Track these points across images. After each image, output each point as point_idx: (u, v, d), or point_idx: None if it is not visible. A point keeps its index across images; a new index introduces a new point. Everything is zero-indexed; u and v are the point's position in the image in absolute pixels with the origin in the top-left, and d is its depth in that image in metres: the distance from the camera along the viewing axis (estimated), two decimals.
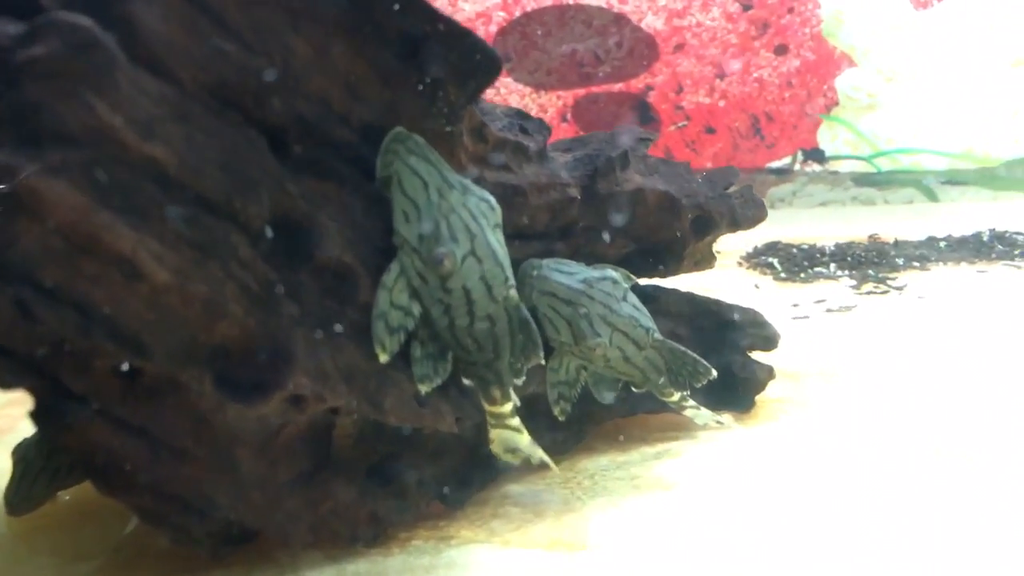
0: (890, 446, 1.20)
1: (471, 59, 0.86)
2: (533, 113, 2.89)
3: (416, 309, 0.90)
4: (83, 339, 0.69)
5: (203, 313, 0.73)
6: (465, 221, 0.87)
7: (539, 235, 1.09)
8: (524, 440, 1.00)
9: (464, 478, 1.06)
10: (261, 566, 0.93)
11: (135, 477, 0.77)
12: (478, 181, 0.94)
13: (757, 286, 2.23)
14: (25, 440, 1.07)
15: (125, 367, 0.72)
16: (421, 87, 0.86)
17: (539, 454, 1.02)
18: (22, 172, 0.62)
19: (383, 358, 0.88)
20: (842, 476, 1.11)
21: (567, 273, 1.05)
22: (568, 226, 1.12)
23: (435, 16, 0.82)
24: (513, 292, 0.91)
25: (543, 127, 1.09)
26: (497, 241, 0.90)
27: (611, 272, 1.09)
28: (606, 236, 1.17)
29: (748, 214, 1.38)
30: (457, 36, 0.84)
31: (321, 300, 0.84)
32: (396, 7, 0.80)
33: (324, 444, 0.91)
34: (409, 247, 0.88)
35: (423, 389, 0.91)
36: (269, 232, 0.80)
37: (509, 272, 0.91)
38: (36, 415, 0.73)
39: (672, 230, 1.25)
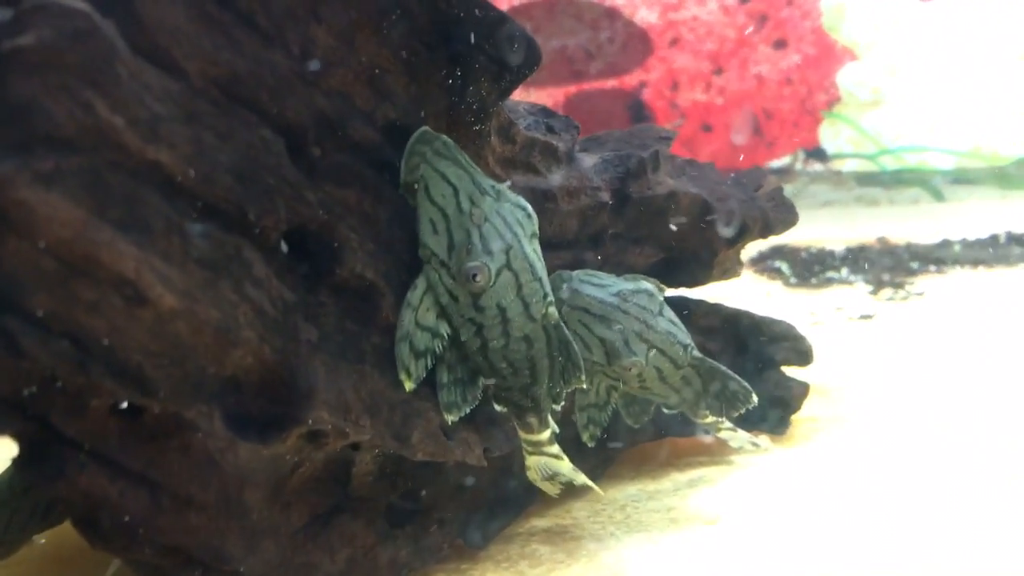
0: (941, 466, 1.14)
1: (508, 49, 0.79)
2: None
3: (444, 330, 0.84)
4: (78, 375, 0.61)
5: (214, 341, 0.66)
6: (499, 231, 0.81)
7: (568, 244, 1.03)
8: (565, 466, 0.94)
9: (488, 514, 1.00)
10: None
11: (134, 529, 0.69)
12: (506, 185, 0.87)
13: (769, 294, 2.18)
14: None
15: (125, 405, 0.65)
16: (451, 81, 0.78)
17: (581, 478, 0.96)
18: (9, 182, 0.54)
19: (409, 386, 0.81)
20: (898, 501, 1.05)
21: (599, 286, 0.99)
22: (598, 234, 1.06)
23: (472, 1, 0.75)
24: (552, 310, 0.85)
25: (571, 125, 1.03)
26: (535, 253, 0.83)
27: (645, 284, 1.03)
28: (634, 243, 1.10)
29: (780, 218, 1.32)
30: (493, 23, 0.78)
31: (342, 322, 0.78)
32: None
33: (342, 483, 0.84)
34: (437, 261, 0.81)
35: (451, 419, 0.85)
36: (285, 247, 0.72)
37: (548, 287, 0.84)
38: (21, 462, 0.64)
39: (704, 237, 1.19)
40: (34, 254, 0.57)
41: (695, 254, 1.21)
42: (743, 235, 1.25)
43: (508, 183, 0.85)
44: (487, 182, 0.82)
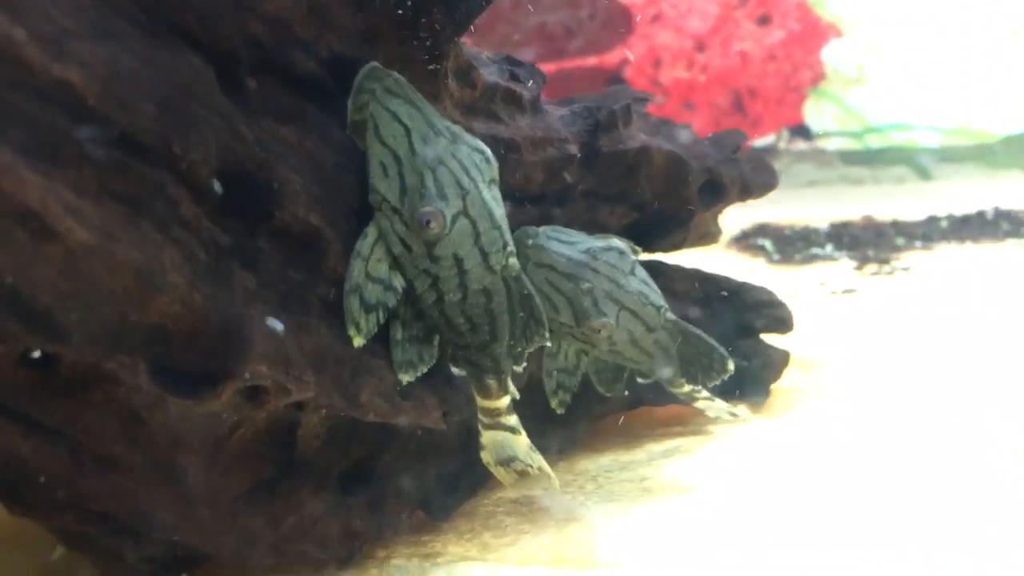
0: (918, 438, 1.11)
1: None
2: None
3: (398, 282, 0.79)
4: None
5: (135, 285, 0.60)
6: (456, 175, 0.76)
7: (534, 198, 0.98)
8: (521, 445, 0.90)
9: (451, 483, 0.95)
10: None
11: (53, 492, 0.65)
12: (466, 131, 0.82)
13: (752, 270, 2.16)
14: None
15: (36, 354, 0.59)
16: (401, 11, 0.73)
17: (539, 461, 0.92)
18: None
19: (358, 341, 0.77)
20: (877, 473, 1.02)
21: (567, 243, 0.95)
22: (566, 189, 1.01)
23: None
24: (513, 260, 0.80)
25: (537, 73, 0.98)
26: (494, 199, 0.79)
27: (616, 242, 0.98)
28: (606, 201, 1.05)
29: (759, 180, 1.28)
30: None
31: (283, 270, 0.73)
32: None
33: (288, 447, 0.79)
34: (389, 207, 0.76)
35: (405, 378, 0.81)
36: (218, 186, 0.67)
37: (508, 236, 0.80)
38: None
39: (679, 197, 1.14)
40: None
41: (671, 215, 1.16)
42: (721, 196, 1.21)
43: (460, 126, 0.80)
44: (442, 122, 0.77)
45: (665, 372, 1.04)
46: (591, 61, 3.08)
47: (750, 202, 1.39)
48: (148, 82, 0.61)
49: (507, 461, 0.91)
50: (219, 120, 0.66)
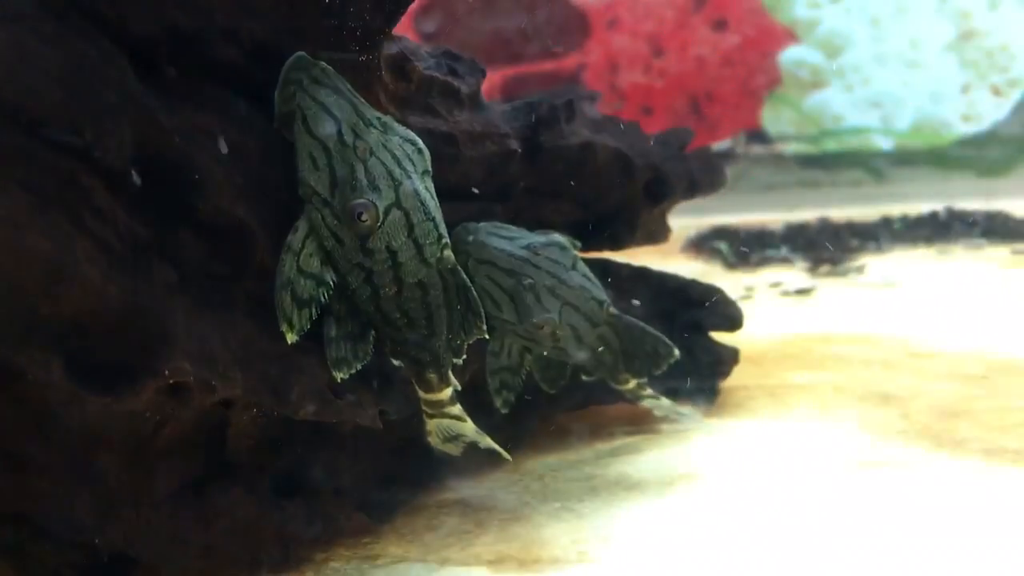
0: (881, 434, 1.11)
1: None
2: None
3: (330, 277, 0.77)
4: None
5: (45, 276, 0.59)
6: (387, 166, 0.74)
7: (473, 194, 0.97)
8: (468, 428, 0.89)
9: (391, 484, 0.93)
10: None
11: None
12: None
13: (708, 273, 2.17)
14: None
15: None
16: (328, 1, 0.71)
17: (487, 440, 0.91)
18: None
19: (290, 338, 0.75)
20: (822, 470, 1.02)
21: (507, 238, 0.94)
22: (507, 185, 1.01)
23: None
24: (448, 252, 0.78)
25: (476, 68, 0.97)
26: (427, 191, 0.77)
27: (557, 237, 0.98)
28: (549, 198, 1.04)
29: (707, 178, 1.27)
30: None
31: (207, 264, 0.72)
32: None
33: (217, 447, 0.77)
34: (319, 199, 0.75)
35: (340, 376, 0.79)
36: (136, 176, 0.65)
37: (443, 228, 0.78)
38: None
39: (624, 194, 1.13)
40: None
41: (617, 213, 1.16)
42: (667, 194, 1.20)
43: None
44: (372, 113, 0.75)
45: (609, 368, 1.03)
46: (548, 66, 3.09)
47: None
48: (56, 67, 0.59)
49: (453, 439, 0.90)
50: (134, 108, 0.64)
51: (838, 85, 3.13)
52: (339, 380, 0.79)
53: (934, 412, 1.17)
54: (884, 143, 3.15)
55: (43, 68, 0.58)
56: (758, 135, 3.24)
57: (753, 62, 3.15)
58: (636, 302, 1.16)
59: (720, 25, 3.13)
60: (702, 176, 1.26)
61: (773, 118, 3.19)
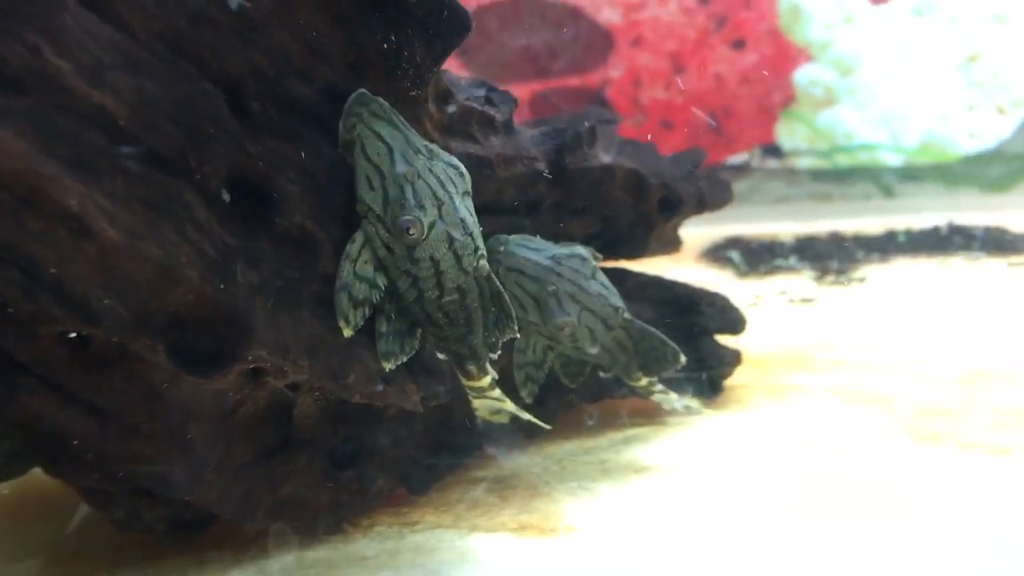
0: (867, 430, 1.20)
1: (439, 16, 0.83)
2: None
3: (382, 281, 0.87)
4: (28, 302, 0.64)
5: (156, 277, 0.70)
6: (432, 187, 0.84)
7: (505, 210, 1.07)
8: (508, 406, 0.99)
9: (428, 462, 1.04)
10: (215, 554, 0.91)
11: (82, 455, 0.74)
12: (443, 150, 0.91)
13: (720, 281, 2.24)
14: None
15: (72, 334, 0.68)
16: (386, 45, 0.82)
17: (526, 415, 1.01)
18: None
19: (347, 332, 0.84)
20: (819, 460, 1.11)
21: (534, 249, 1.04)
22: (535, 202, 1.10)
23: None
24: (484, 263, 0.88)
25: (509, 99, 1.07)
26: (466, 209, 0.87)
27: (579, 249, 1.07)
28: (573, 213, 1.15)
29: (715, 196, 1.37)
30: None
31: (282, 269, 0.81)
32: None
33: (284, 423, 0.88)
34: (374, 215, 0.84)
35: (387, 366, 0.88)
36: (226, 194, 0.76)
37: (480, 242, 0.88)
38: None
39: (640, 210, 1.23)
40: None
41: (632, 226, 1.25)
42: (679, 209, 1.29)
43: (439, 146, 0.89)
44: (420, 142, 0.85)
45: (623, 366, 1.12)
46: (574, 81, 3.15)
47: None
48: (167, 105, 0.70)
49: (497, 412, 1.00)
50: (228, 138, 0.74)
51: (850, 103, 3.15)
52: (387, 370, 0.88)
53: (916, 411, 1.26)
54: (893, 159, 3.16)
55: (159, 107, 0.69)
56: (773, 149, 3.28)
57: (769, 80, 3.19)
58: (653, 312, 1.25)
59: (738, 45, 3.16)
60: (711, 194, 1.36)
61: (787, 133, 3.23)
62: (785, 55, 3.20)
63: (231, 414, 0.81)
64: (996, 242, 2.45)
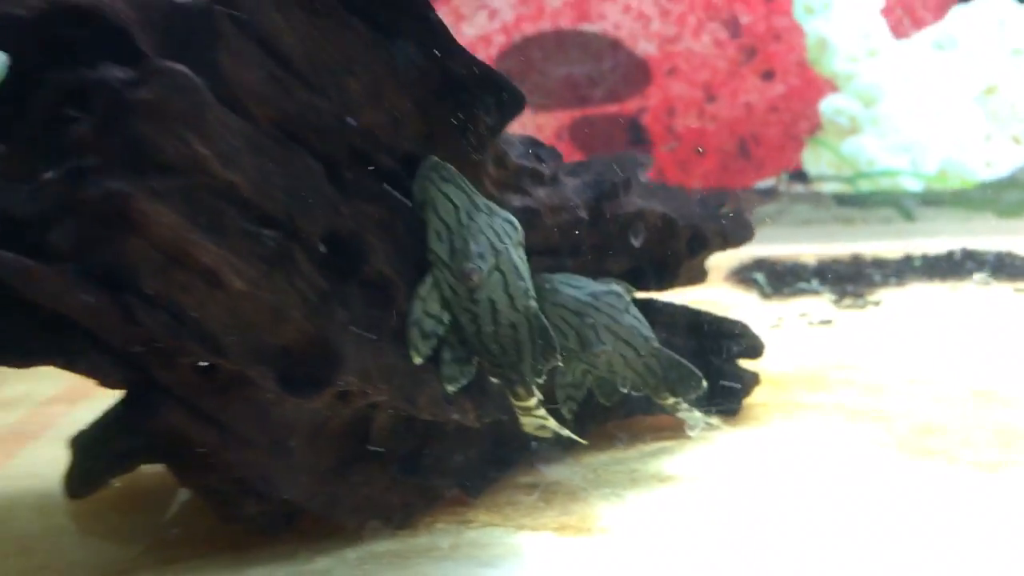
0: (867, 445, 1.30)
1: (499, 97, 0.96)
2: (530, 132, 2.99)
3: (446, 318, 0.98)
4: (172, 339, 0.78)
5: (270, 318, 0.83)
6: (491, 240, 0.96)
7: (551, 251, 1.18)
8: (551, 423, 1.08)
9: (482, 470, 1.15)
10: (301, 544, 1.02)
11: (206, 460, 0.87)
12: (500, 203, 1.04)
13: (746, 302, 2.33)
14: (82, 432, 1.16)
15: (204, 364, 0.82)
16: (455, 122, 0.96)
17: (565, 432, 1.10)
18: (132, 196, 0.72)
19: (417, 360, 0.95)
20: (822, 472, 1.21)
21: (576, 287, 1.14)
22: (576, 244, 1.21)
23: (471, 60, 0.92)
24: (533, 303, 0.99)
25: (555, 154, 1.19)
26: (520, 258, 0.99)
27: (615, 286, 1.18)
28: (610, 253, 1.27)
29: (737, 234, 1.48)
30: (488, 76, 0.94)
31: (366, 308, 0.92)
32: (439, 54, 0.91)
33: (363, 436, 1.00)
34: (441, 263, 0.97)
35: (450, 389, 0.99)
36: (323, 248, 0.89)
37: (530, 285, 0.99)
38: (128, 403, 0.83)
39: (669, 248, 1.35)
40: (146, 248, 0.75)
41: (662, 262, 1.36)
42: (704, 247, 1.41)
43: (497, 200, 1.02)
44: (482, 201, 0.98)
45: (653, 388, 1.24)
46: (613, 108, 3.25)
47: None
48: (281, 179, 0.84)
49: (541, 428, 1.09)
50: (325, 203, 0.88)
51: (872, 132, 3.21)
52: (450, 392, 0.98)
53: (914, 429, 1.35)
54: (913, 185, 3.23)
55: (274, 181, 0.82)
56: (799, 175, 3.36)
57: (796, 109, 3.27)
58: (681, 338, 1.37)
59: (768, 75, 3.25)
60: (733, 232, 1.46)
61: (813, 160, 3.30)
62: (812, 86, 3.28)
63: (322, 428, 0.94)
64: (1006, 267, 2.51)
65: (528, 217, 1.11)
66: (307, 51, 0.86)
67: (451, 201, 0.96)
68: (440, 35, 0.90)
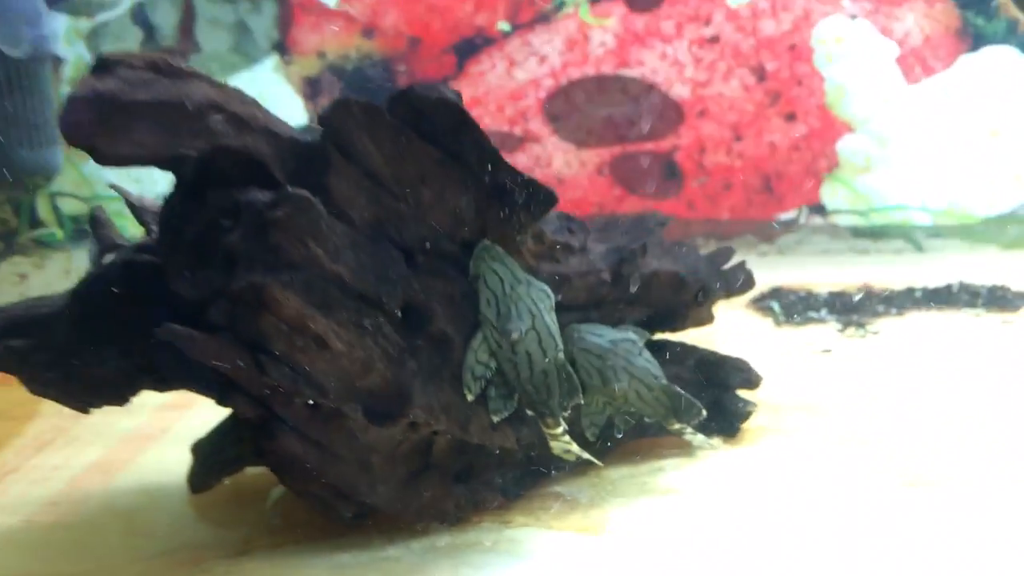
0: (858, 468, 1.40)
1: (537, 197, 1.18)
2: (574, 167, 3.19)
3: (493, 364, 1.13)
4: (291, 385, 1.02)
5: (361, 369, 1.04)
6: (529, 306, 1.16)
7: (579, 307, 1.35)
8: (575, 448, 1.26)
9: (519, 481, 1.33)
10: (377, 536, 1.21)
11: (309, 472, 1.08)
12: (536, 273, 1.24)
13: (760, 328, 2.43)
14: (201, 440, 1.39)
15: (311, 402, 1.05)
16: (502, 215, 1.18)
17: (587, 456, 1.28)
18: (269, 287, 0.97)
19: (470, 397, 1.10)
20: (801, 485, 1.33)
21: (598, 335, 1.33)
22: (600, 300, 1.38)
23: (515, 172, 1.14)
24: (561, 354, 1.18)
25: (583, 227, 1.40)
26: (551, 320, 1.18)
27: (631, 334, 1.36)
28: (628, 305, 1.50)
29: (740, 286, 1.68)
30: (528, 183, 1.16)
31: (431, 358, 1.08)
32: (491, 167, 1.14)
33: (427, 454, 1.12)
34: (489, 323, 1.12)
35: (495, 419, 1.14)
36: (399, 314, 1.11)
37: (559, 341, 1.19)
38: (256, 431, 1.07)
39: (679, 300, 1.54)
40: (276, 323, 0.99)
41: (673, 311, 1.55)
42: (708, 298, 1.62)
43: (534, 271, 1.22)
44: (522, 274, 1.17)
45: (662, 417, 1.40)
46: (648, 146, 3.37)
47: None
48: (371, 266, 1.05)
49: (566, 452, 1.26)
50: (403, 281, 1.07)
51: (886, 170, 3.33)
52: (495, 421, 1.13)
53: (893, 450, 1.45)
54: (923, 219, 3.33)
55: (367, 268, 1.05)
56: (818, 208, 3.44)
57: (816, 148, 3.37)
58: (687, 372, 1.55)
59: (790, 117, 3.35)
60: (737, 283, 1.68)
61: (831, 194, 3.41)
62: (831, 127, 3.37)
63: (396, 448, 1.13)
64: (997, 300, 2.56)
65: (561, 281, 1.30)
66: (391, 168, 1.08)
67: (498, 275, 1.16)
68: (490, 153, 1.12)
